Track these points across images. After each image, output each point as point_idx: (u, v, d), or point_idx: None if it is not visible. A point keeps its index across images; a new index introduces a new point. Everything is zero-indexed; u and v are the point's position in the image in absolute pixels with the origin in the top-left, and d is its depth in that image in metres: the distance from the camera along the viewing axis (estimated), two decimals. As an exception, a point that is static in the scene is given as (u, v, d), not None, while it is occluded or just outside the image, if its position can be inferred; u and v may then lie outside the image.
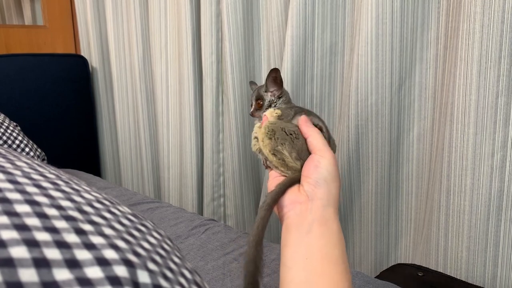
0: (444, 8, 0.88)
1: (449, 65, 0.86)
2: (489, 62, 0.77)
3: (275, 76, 0.64)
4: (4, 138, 1.09)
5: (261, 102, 0.65)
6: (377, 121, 0.98)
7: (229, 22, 1.18)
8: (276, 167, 0.56)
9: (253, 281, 0.45)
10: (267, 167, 0.59)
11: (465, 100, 0.80)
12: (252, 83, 0.74)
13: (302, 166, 0.53)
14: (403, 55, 0.94)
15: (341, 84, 1.07)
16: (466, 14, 0.78)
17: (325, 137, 0.55)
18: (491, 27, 0.75)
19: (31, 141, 1.18)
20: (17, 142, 1.13)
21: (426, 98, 0.95)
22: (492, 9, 0.74)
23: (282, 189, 0.51)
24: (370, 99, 0.96)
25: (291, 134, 0.55)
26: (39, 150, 1.20)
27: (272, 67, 0.66)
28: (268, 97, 0.65)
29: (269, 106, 0.64)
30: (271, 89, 0.65)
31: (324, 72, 1.07)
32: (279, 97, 0.65)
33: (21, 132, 1.18)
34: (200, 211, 1.45)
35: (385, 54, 0.93)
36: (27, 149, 1.14)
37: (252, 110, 0.65)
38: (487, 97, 0.78)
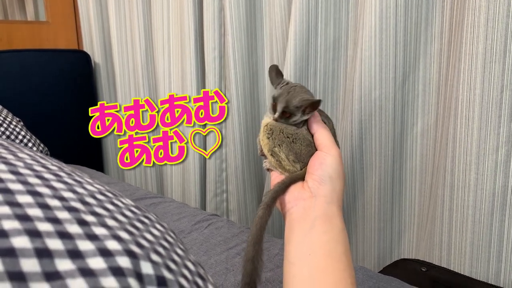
0: (449, 1, 0.88)
1: (453, 59, 0.86)
2: (494, 56, 0.76)
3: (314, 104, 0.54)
4: (7, 133, 1.10)
5: (289, 116, 0.55)
6: (380, 116, 0.97)
7: (232, 17, 1.17)
8: (275, 168, 0.56)
9: (250, 281, 0.45)
10: (268, 169, 0.59)
11: (470, 95, 0.80)
12: (274, 71, 0.60)
13: (302, 168, 0.53)
14: (407, 50, 0.93)
15: (344, 79, 1.07)
16: (470, 7, 0.77)
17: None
18: (496, 21, 0.74)
19: (34, 136, 1.19)
20: (20, 137, 1.13)
21: (430, 93, 0.94)
22: (497, 2, 0.74)
23: (282, 188, 0.51)
24: (374, 94, 0.95)
25: (288, 137, 0.53)
26: (42, 145, 1.20)
27: (315, 100, 0.54)
28: (299, 115, 0.54)
29: (299, 123, 0.55)
30: (307, 111, 0.54)
31: (327, 67, 1.07)
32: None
33: (24, 127, 1.18)
34: (203, 206, 1.45)
35: (389, 48, 0.92)
36: (30, 144, 1.14)
37: (276, 117, 0.56)
38: (491, 91, 0.77)
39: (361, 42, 0.94)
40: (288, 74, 1.06)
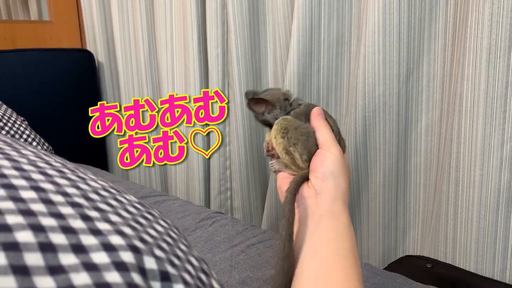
0: (453, -3, 0.87)
1: (457, 55, 0.85)
2: (498, 51, 0.76)
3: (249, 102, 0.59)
4: (12, 132, 1.10)
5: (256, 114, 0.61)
6: (384, 112, 0.97)
7: (235, 14, 1.17)
8: (285, 167, 0.56)
9: (286, 280, 0.43)
10: (276, 171, 0.59)
11: (474, 91, 0.79)
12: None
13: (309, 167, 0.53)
14: (411, 46, 0.93)
15: (348, 76, 1.07)
16: (475, 3, 0.77)
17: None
18: (501, 16, 0.74)
19: (38, 135, 1.19)
20: (24, 136, 1.13)
21: (434, 89, 0.94)
22: (502, -4, 0.73)
23: (299, 182, 0.51)
24: (378, 90, 0.95)
25: (303, 135, 0.53)
26: (46, 144, 1.21)
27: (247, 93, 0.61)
28: (266, 113, 0.60)
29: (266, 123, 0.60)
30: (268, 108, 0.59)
31: (330, 64, 1.06)
32: (268, 113, 0.59)
33: (28, 127, 1.19)
34: (207, 204, 1.45)
35: (393, 44, 0.92)
36: (34, 143, 1.14)
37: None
38: (496, 87, 0.77)
39: (365, 38, 0.94)
40: (292, 70, 1.06)
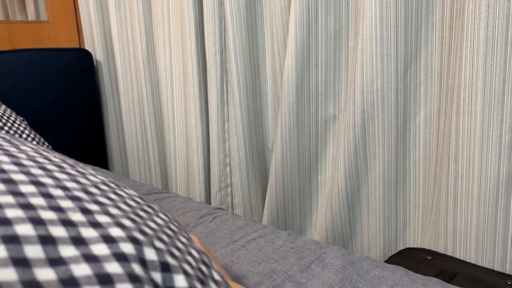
0: (449, -11, 0.87)
1: (455, 47, 0.85)
2: (496, 43, 0.76)
3: None
4: (11, 132, 1.10)
5: None
6: (383, 106, 0.97)
7: (232, 11, 1.17)
8: None
9: None
10: None
11: (472, 82, 0.79)
12: None
13: None
14: (408, 39, 0.93)
15: (346, 70, 1.07)
16: (471, -6, 0.77)
17: None
18: (497, 7, 0.74)
19: (38, 135, 1.19)
20: (24, 135, 1.13)
21: (432, 82, 0.94)
22: (498, -13, 0.73)
23: None
24: (376, 84, 0.95)
25: None
26: (46, 143, 1.21)
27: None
28: None
29: None
30: None
31: (328, 58, 1.06)
32: None
33: (28, 126, 1.19)
34: (208, 201, 1.46)
35: (390, 38, 0.92)
36: (34, 143, 1.15)
37: None
38: (494, 78, 0.77)
39: (362, 32, 0.94)
40: (290, 66, 1.06)
